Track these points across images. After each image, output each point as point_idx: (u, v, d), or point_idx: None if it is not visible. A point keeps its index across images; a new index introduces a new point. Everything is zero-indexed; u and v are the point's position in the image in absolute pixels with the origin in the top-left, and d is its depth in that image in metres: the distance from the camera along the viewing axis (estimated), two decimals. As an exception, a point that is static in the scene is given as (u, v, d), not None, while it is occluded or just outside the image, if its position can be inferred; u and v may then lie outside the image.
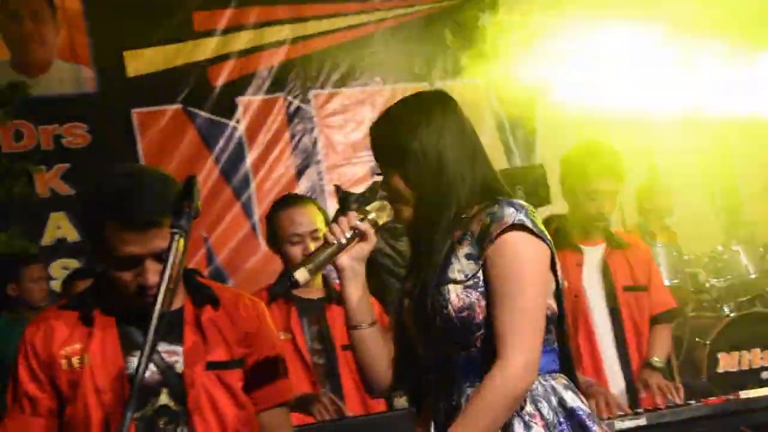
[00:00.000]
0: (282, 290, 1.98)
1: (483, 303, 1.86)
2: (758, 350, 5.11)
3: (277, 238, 3.11)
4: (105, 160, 6.14)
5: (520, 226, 1.85)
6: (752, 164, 7.40)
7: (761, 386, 4.58)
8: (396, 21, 7.03)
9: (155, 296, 1.84)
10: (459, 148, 1.93)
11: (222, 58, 6.64)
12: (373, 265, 5.49)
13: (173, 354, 1.93)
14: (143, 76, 6.48)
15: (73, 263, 6.19)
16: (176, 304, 1.83)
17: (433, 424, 1.92)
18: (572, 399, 1.88)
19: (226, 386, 1.97)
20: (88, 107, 6.38)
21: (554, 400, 1.86)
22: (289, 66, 6.79)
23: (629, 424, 2.84)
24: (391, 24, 7.02)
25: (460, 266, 1.88)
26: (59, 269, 6.12)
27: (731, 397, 3.07)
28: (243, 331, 2.02)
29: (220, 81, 6.62)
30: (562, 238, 3.57)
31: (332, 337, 3.08)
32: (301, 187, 6.74)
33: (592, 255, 3.59)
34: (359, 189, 6.44)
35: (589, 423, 1.86)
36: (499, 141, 7.21)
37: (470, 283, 1.87)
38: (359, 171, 6.89)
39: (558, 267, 1.92)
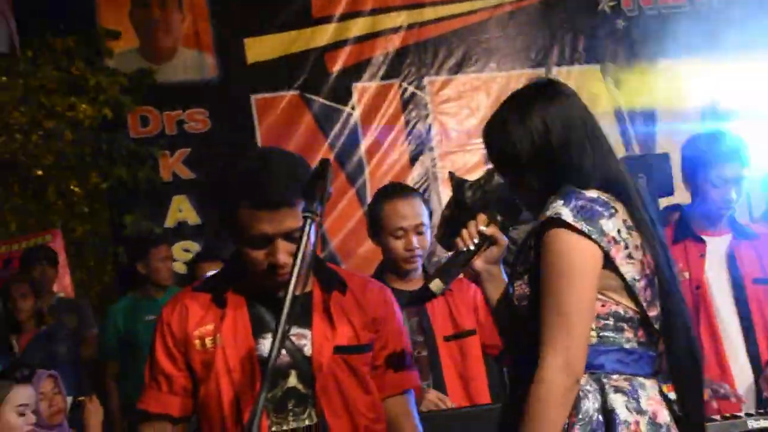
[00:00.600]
0: (419, 302, 2.01)
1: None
2: None
3: (379, 230, 3.07)
4: (224, 145, 6.33)
5: (557, 221, 1.81)
6: None
7: None
8: (512, 6, 6.95)
9: (286, 276, 1.89)
10: (568, 145, 1.87)
11: (338, 45, 6.71)
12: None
13: (302, 337, 1.96)
14: (262, 63, 6.61)
15: (194, 246, 6.40)
16: (306, 288, 1.86)
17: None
18: (618, 402, 1.79)
19: (352, 370, 1.99)
20: (210, 93, 6.56)
21: (599, 401, 1.80)
22: (405, 52, 6.80)
23: (763, 423, 2.72)
24: (508, 9, 6.94)
25: (527, 257, 1.91)
26: (180, 251, 6.33)
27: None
28: (370, 316, 2.03)
29: (337, 67, 6.69)
30: (684, 229, 3.47)
31: (433, 329, 3.07)
32: (414, 174, 6.76)
33: (717, 246, 3.47)
34: (473, 176, 6.41)
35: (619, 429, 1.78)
36: (616, 128, 7.05)
37: (530, 274, 1.88)
38: (473, 158, 6.85)
39: (619, 262, 1.82)
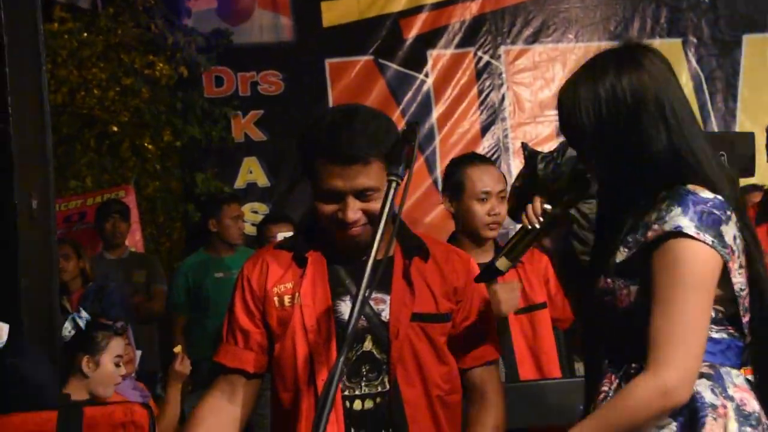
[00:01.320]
0: (486, 280, 1.97)
1: (625, 291, 1.73)
2: None
3: (461, 193, 3.04)
4: (296, 108, 6.35)
5: (678, 233, 1.66)
6: None
7: None
8: (593, -24, 6.81)
9: (355, 233, 1.90)
10: (654, 118, 1.71)
11: (414, 11, 6.65)
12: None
13: (380, 302, 1.94)
14: (337, 27, 6.59)
15: (263, 207, 6.45)
16: (388, 253, 1.84)
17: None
18: (703, 386, 1.70)
19: (429, 339, 1.96)
20: (284, 56, 6.57)
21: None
22: (481, 20, 6.71)
23: None
24: (588, -21, 6.80)
25: (619, 252, 1.75)
26: (249, 213, 6.38)
27: None
28: (452, 285, 2.00)
29: (412, 33, 6.64)
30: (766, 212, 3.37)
31: (505, 303, 3.04)
32: (485, 144, 6.69)
33: (804, 229, 3.36)
34: (545, 148, 6.33)
35: (701, 414, 1.69)
36: (696, 104, 6.87)
37: (619, 269, 1.75)
38: (545, 130, 6.75)
39: (733, 273, 1.70)
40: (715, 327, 1.74)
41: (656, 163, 1.72)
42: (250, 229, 5.95)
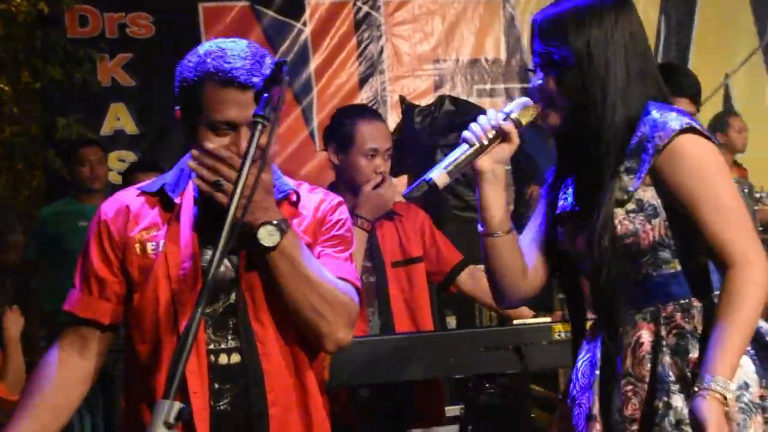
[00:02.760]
0: (418, 194, 1.83)
1: (648, 226, 1.72)
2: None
3: (349, 147, 2.97)
4: (168, 53, 6.05)
5: (691, 129, 1.69)
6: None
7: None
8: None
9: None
10: (628, 61, 1.76)
11: (292, -43, 6.46)
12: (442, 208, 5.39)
13: None
14: (212, -30, 6.34)
15: (130, 155, 6.18)
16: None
17: (587, 346, 1.84)
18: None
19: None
20: (154, -2, 6.28)
21: None
22: (361, -30, 6.59)
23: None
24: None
25: (622, 184, 1.73)
26: (116, 161, 6.11)
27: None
28: (321, 226, 1.89)
29: (290, -20, 6.45)
30: None
31: (382, 255, 3.01)
32: (363, 97, 6.60)
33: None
34: (423, 102, 6.30)
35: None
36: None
37: (633, 206, 1.73)
38: (423, 84, 6.72)
39: None
40: None
41: (635, 105, 1.75)
42: (116, 178, 5.69)
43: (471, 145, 1.84)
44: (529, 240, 1.93)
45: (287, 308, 1.80)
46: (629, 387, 1.73)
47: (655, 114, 1.73)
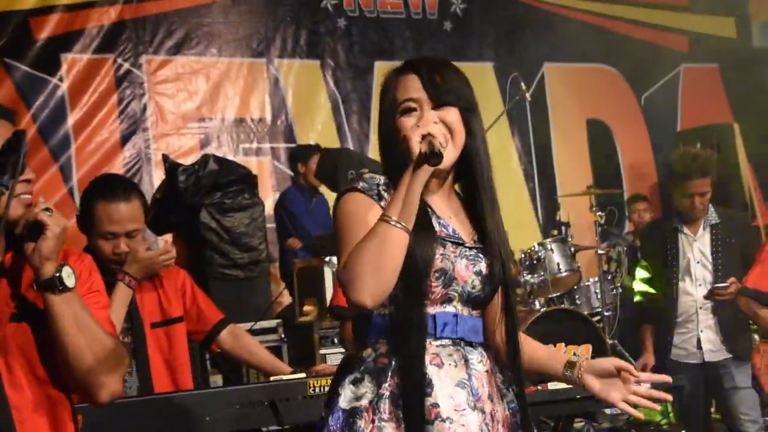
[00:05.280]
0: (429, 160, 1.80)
1: None
2: (562, 344, 5.39)
3: (90, 228, 2.91)
4: None
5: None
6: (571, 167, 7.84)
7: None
8: (236, -7, 6.90)
9: None
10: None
11: (46, 11, 6.27)
12: (199, 239, 5.40)
13: None
14: (-45, 19, 6.04)
15: None
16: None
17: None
18: None
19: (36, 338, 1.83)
20: None
21: None
22: (121, 27, 6.51)
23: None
24: (231, -4, 6.88)
25: None
26: None
27: (539, 388, 3.18)
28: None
29: (43, 35, 6.25)
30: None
31: (140, 315, 2.98)
32: (126, 155, 6.49)
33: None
34: (188, 160, 6.29)
35: None
36: (333, 124, 7.23)
37: None
38: (188, 142, 6.71)
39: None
40: None
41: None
42: None
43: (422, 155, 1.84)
44: None
45: (64, 355, 1.78)
46: None
47: None
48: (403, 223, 1.77)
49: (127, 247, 2.88)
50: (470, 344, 1.91)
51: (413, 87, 1.91)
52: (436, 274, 1.87)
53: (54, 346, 1.79)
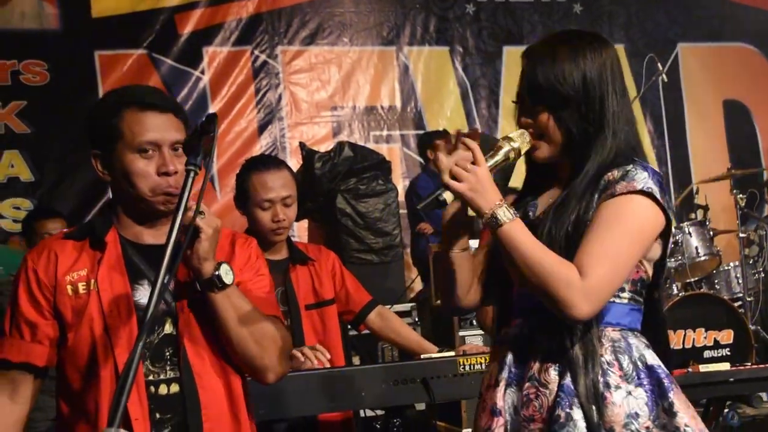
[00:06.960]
0: (431, 208, 1.88)
1: None
2: (702, 330, 5.28)
3: (246, 200, 3.03)
4: (64, 100, 6.04)
5: (648, 194, 1.81)
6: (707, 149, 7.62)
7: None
8: (367, -18, 7.00)
9: (178, 189, 1.84)
10: (618, 99, 1.86)
11: (189, 6, 6.55)
12: (335, 224, 5.54)
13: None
14: (108, 18, 6.36)
15: (26, 203, 6.09)
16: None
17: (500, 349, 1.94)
18: (652, 357, 1.86)
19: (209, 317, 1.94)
20: (50, 45, 6.24)
21: (635, 355, 1.83)
22: (258, 20, 6.72)
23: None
24: (363, -15, 6.99)
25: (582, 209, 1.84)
26: (10, 208, 6.01)
27: (690, 370, 3.15)
28: (239, 266, 1.99)
29: (187, 29, 6.53)
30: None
31: (296, 298, 3.08)
32: (263, 143, 6.71)
33: None
34: (322, 148, 6.44)
35: (666, 383, 1.83)
36: (462, 110, 7.26)
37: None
38: (321, 131, 6.88)
39: (671, 242, 1.89)
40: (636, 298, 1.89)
41: (622, 141, 1.86)
42: (10, 226, 5.59)
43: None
44: (476, 263, 2.03)
45: (229, 344, 1.90)
46: (532, 390, 1.86)
47: (631, 167, 1.84)
48: None
49: (284, 216, 2.99)
50: None
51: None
52: None
53: (219, 335, 1.90)
